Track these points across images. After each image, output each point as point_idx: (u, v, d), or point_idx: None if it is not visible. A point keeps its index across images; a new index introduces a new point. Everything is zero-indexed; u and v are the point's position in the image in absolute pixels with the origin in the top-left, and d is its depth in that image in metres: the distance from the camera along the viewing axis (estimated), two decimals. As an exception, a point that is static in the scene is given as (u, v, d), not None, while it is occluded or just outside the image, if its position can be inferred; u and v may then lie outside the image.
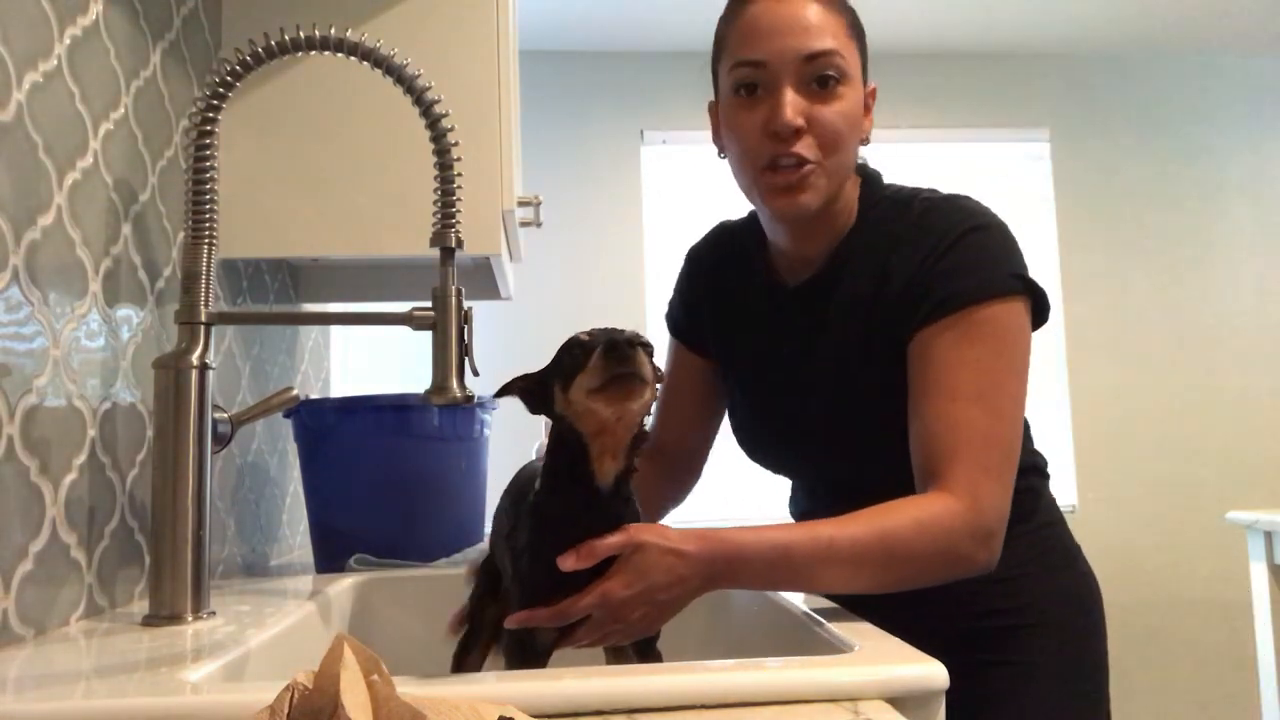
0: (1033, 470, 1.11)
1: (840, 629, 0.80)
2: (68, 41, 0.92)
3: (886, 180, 1.12)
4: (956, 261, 0.98)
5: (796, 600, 0.93)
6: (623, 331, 0.78)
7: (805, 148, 1.00)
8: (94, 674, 0.70)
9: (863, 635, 0.77)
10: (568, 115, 3.55)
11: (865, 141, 1.07)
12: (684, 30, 3.37)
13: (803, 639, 0.86)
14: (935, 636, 0.96)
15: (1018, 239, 1.02)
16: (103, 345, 0.97)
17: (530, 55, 2.75)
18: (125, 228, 1.03)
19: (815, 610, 0.88)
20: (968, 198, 1.05)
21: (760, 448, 1.17)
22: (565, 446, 0.80)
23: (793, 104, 0.99)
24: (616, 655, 0.88)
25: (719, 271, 1.20)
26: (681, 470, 1.25)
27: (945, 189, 1.09)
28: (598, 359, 0.75)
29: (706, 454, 1.27)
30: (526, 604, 0.80)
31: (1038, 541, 1.09)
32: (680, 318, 1.25)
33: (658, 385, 0.80)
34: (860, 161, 1.11)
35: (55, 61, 0.90)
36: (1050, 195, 3.67)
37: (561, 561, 0.77)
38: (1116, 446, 3.56)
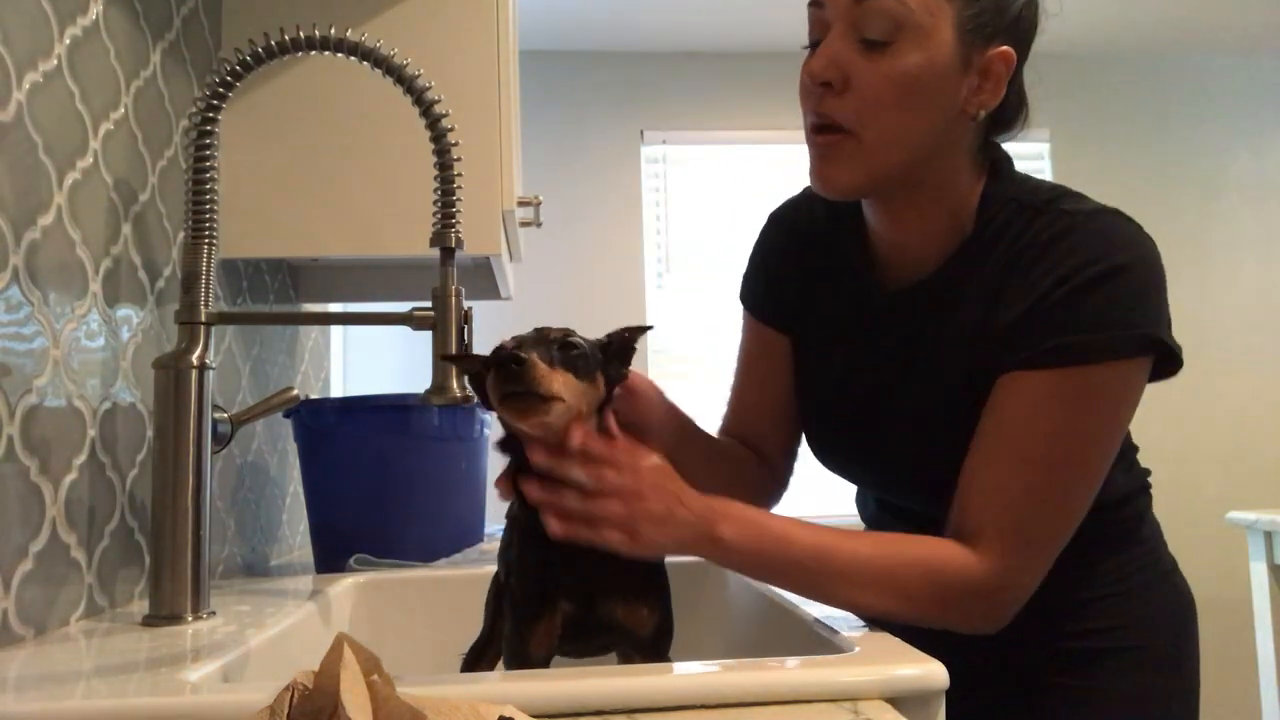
0: (1140, 492, 1.03)
1: (840, 629, 0.80)
2: (68, 41, 0.92)
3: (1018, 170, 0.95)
4: (1083, 309, 0.83)
5: (797, 601, 0.93)
6: (547, 331, 0.75)
7: (836, 109, 0.86)
8: (94, 674, 0.70)
9: (863, 635, 0.77)
10: (568, 115, 3.54)
11: (972, 117, 0.88)
12: (684, 30, 3.37)
13: (803, 639, 0.86)
14: (1022, 656, 0.92)
15: (1163, 271, 0.86)
16: (103, 345, 0.97)
17: (530, 55, 2.75)
18: (125, 228, 1.03)
19: (815, 611, 0.88)
20: (1114, 218, 0.88)
21: (834, 457, 1.05)
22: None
23: (825, 54, 0.85)
24: (626, 659, 0.88)
25: (810, 247, 1.04)
26: (761, 469, 1.08)
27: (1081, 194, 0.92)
28: (492, 377, 0.72)
29: (795, 450, 1.09)
30: (517, 619, 0.79)
31: (1135, 558, 1.00)
32: (760, 291, 1.07)
33: (612, 383, 0.77)
34: (992, 142, 0.94)
35: (55, 61, 0.90)
36: (1050, 195, 3.67)
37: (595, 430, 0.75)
38: (1116, 446, 3.56)
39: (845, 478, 1.08)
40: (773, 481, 1.10)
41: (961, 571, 0.82)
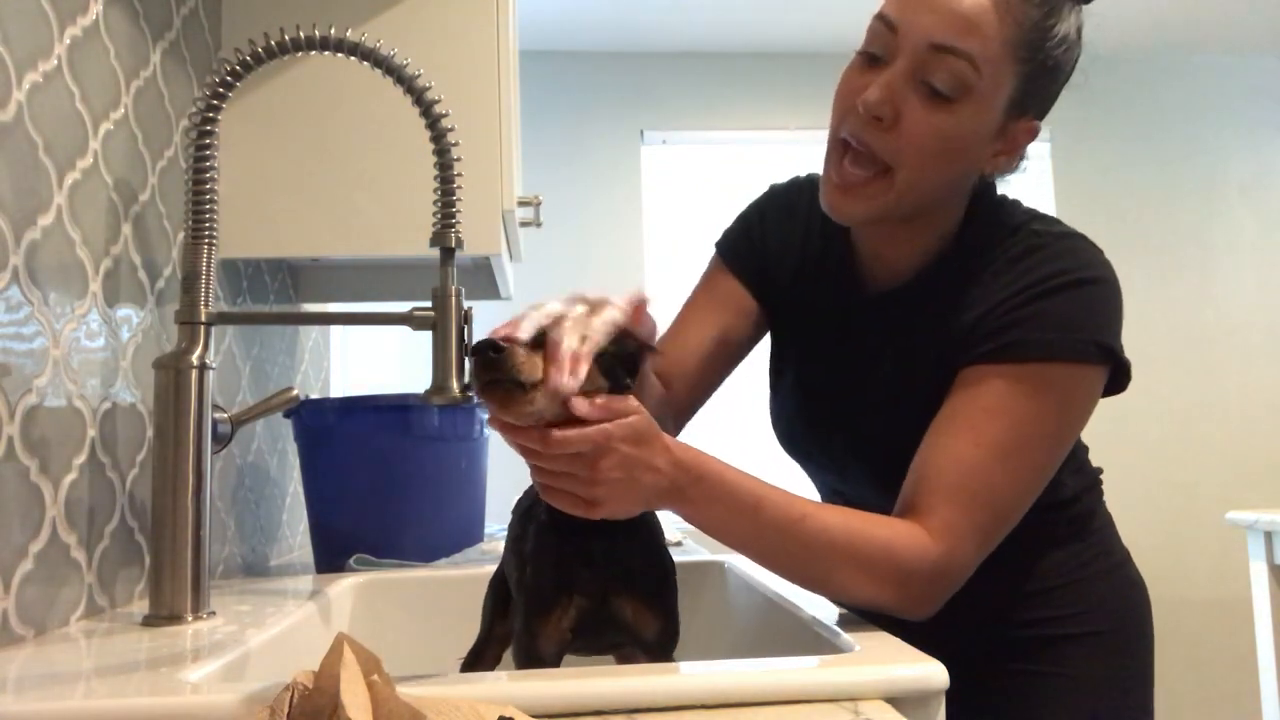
0: (1089, 490, 1.06)
1: (840, 629, 0.80)
2: (68, 41, 0.92)
3: (1001, 192, 1.00)
4: (1042, 310, 0.88)
5: (797, 600, 0.93)
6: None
7: (878, 141, 0.88)
8: (94, 674, 0.70)
9: (863, 635, 0.77)
10: (568, 115, 3.55)
11: (988, 178, 0.95)
12: (684, 30, 3.37)
13: (803, 639, 0.86)
14: (976, 645, 0.94)
15: (1122, 296, 0.91)
16: (103, 345, 0.97)
17: (530, 55, 2.75)
18: (125, 228, 1.03)
19: (815, 611, 0.88)
20: (1081, 241, 0.93)
21: (800, 445, 1.08)
22: None
23: (888, 86, 0.86)
24: (628, 660, 0.88)
25: (805, 234, 1.06)
26: (671, 406, 1.05)
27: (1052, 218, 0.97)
28: (472, 366, 0.69)
29: (703, 401, 1.08)
30: (530, 612, 0.79)
31: (1087, 549, 1.03)
32: (745, 248, 1.09)
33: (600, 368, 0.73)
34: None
35: (55, 61, 0.90)
36: (1050, 195, 3.67)
37: (576, 403, 0.70)
38: (1116, 446, 3.55)
39: (805, 466, 1.11)
40: (677, 413, 1.07)
41: (921, 554, 0.83)
